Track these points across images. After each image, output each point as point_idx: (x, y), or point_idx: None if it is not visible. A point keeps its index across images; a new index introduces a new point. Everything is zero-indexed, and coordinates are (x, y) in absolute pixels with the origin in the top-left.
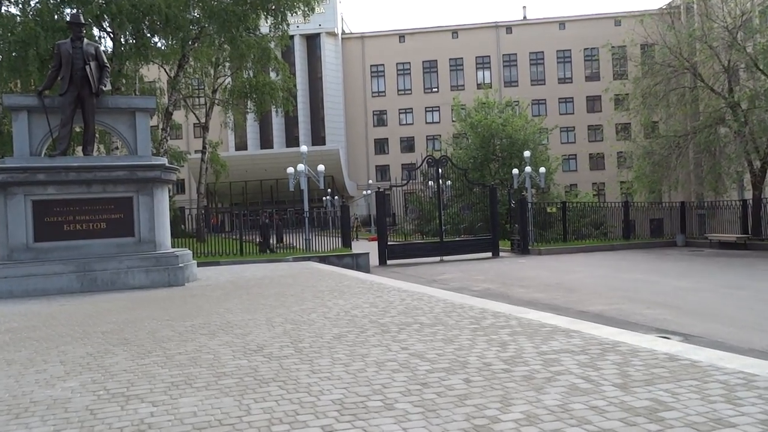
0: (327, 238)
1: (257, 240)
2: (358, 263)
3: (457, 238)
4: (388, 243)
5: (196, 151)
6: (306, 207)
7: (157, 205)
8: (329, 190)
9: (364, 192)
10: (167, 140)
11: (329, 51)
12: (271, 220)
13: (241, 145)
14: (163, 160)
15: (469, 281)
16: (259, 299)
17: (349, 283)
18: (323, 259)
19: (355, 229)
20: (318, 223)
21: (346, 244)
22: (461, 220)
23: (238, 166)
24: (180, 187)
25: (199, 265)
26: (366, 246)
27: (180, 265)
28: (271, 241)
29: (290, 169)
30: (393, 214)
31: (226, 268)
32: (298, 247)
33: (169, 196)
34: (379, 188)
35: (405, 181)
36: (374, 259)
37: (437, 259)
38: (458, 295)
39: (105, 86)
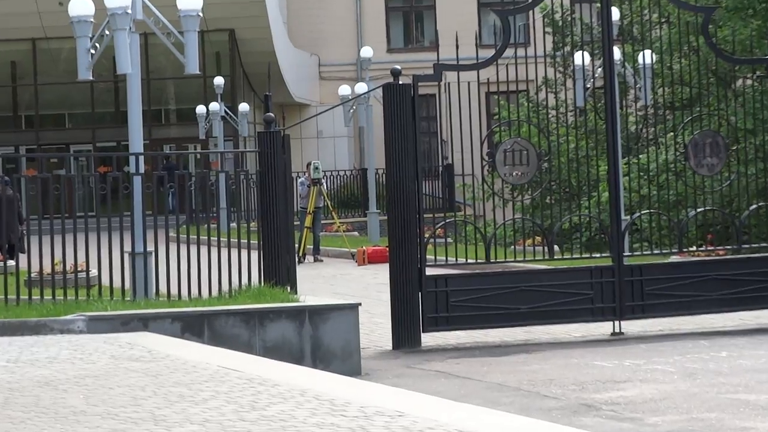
0: (210, 250)
1: None
2: (320, 341)
3: (674, 257)
4: (426, 272)
5: None
6: (136, 140)
7: None
8: (220, 83)
9: (346, 92)
10: None
11: None
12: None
13: None
14: None
15: (725, 411)
16: None
17: (287, 419)
18: (196, 325)
19: (309, 219)
20: (184, 204)
21: (275, 272)
22: (688, 195)
23: None
24: None
25: None
26: (351, 279)
27: None
28: None
29: (80, 7)
30: (447, 168)
31: None
32: (106, 283)
33: None
34: (395, 72)
35: (494, 52)
36: (379, 324)
37: (604, 330)
38: None
39: None
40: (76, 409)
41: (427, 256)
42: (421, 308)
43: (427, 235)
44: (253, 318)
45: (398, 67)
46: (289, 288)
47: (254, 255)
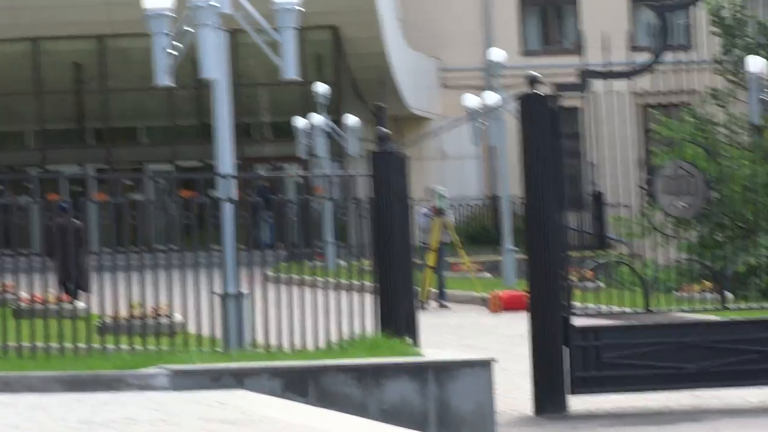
0: (316, 293)
1: None
2: (447, 403)
3: None
4: (574, 322)
5: None
6: (225, 159)
7: None
8: (323, 90)
9: (473, 103)
10: None
11: None
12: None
13: None
14: None
15: None
16: None
17: None
18: (299, 382)
19: (432, 258)
20: (281, 230)
21: (392, 319)
22: None
23: None
24: None
25: None
26: (482, 330)
27: None
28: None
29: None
30: (597, 196)
31: None
32: (192, 331)
33: None
34: (533, 80)
35: (650, 57)
36: (517, 384)
37: None
38: None
39: None
40: None
41: (575, 303)
42: (568, 366)
43: (573, 278)
44: (368, 375)
45: (536, 73)
46: (409, 339)
47: (368, 299)
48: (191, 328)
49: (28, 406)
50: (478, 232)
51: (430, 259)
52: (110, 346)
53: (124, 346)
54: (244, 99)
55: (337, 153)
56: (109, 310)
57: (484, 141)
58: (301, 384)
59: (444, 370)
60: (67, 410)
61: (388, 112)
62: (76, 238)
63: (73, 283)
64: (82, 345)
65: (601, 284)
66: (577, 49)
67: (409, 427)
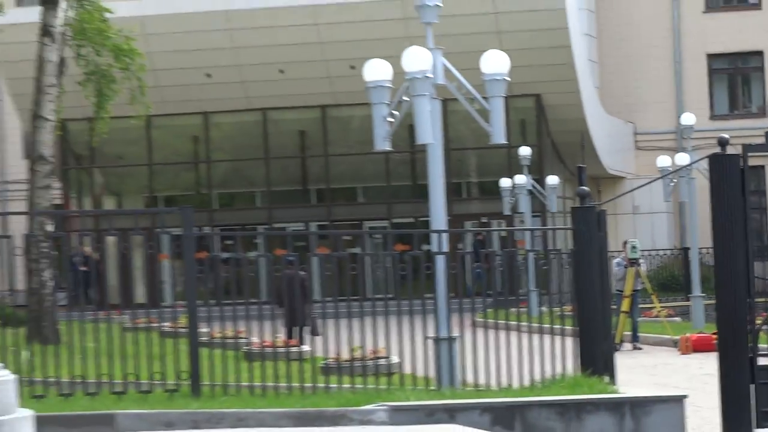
0: (520, 336)
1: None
2: None
3: None
4: (759, 362)
5: None
6: (438, 216)
7: None
8: (526, 153)
9: (665, 164)
10: None
11: None
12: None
13: None
14: None
15: None
16: None
17: None
18: (507, 417)
19: (627, 303)
20: (489, 280)
21: (591, 360)
22: None
23: (178, 55)
24: None
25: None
26: (673, 369)
27: None
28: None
29: (375, 70)
30: None
31: None
32: (407, 371)
33: None
34: (723, 142)
35: None
36: (706, 419)
37: None
38: None
39: None
40: None
41: (760, 345)
42: (754, 402)
43: (759, 321)
44: (569, 410)
45: (725, 135)
46: (607, 378)
47: (567, 341)
48: (407, 369)
49: None
50: (668, 280)
51: (625, 304)
52: (333, 385)
53: (345, 385)
54: (454, 161)
55: (539, 210)
56: (331, 353)
57: (675, 197)
58: (508, 418)
59: (640, 405)
60: None
61: (587, 172)
62: (301, 288)
63: (299, 328)
64: (307, 384)
65: None
66: (763, 112)
67: None
